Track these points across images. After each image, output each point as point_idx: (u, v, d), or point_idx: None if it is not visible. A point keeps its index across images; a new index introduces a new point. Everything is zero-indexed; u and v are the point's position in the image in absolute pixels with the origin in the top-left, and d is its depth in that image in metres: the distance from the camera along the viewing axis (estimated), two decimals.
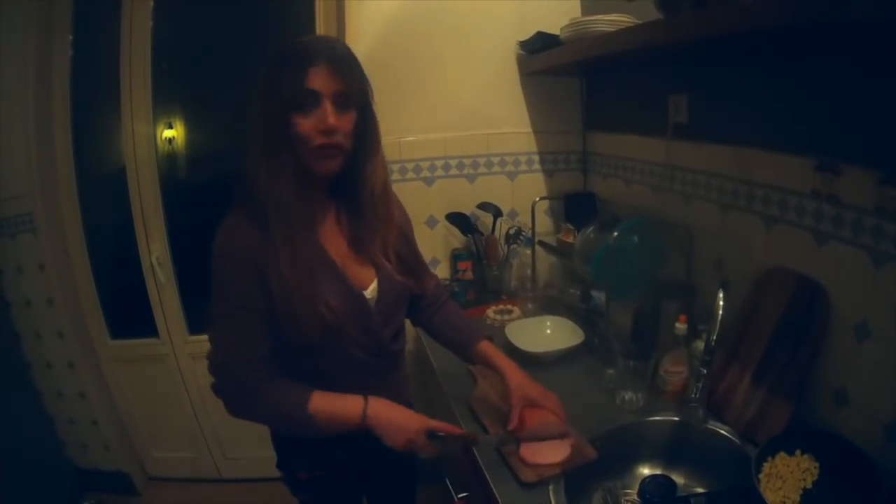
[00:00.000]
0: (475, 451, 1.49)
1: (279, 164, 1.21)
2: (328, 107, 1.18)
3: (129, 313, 2.99)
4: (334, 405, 1.31)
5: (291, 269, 1.22)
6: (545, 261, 2.61)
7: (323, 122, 1.18)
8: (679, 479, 1.44)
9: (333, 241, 1.36)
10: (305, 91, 1.17)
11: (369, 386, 1.37)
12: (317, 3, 2.58)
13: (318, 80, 1.17)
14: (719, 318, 1.38)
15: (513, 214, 2.65)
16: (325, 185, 1.33)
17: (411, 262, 1.50)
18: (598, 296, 2.09)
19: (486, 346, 1.57)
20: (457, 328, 1.65)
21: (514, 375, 1.51)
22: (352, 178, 1.32)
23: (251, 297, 1.24)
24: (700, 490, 1.43)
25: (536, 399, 1.48)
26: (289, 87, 1.17)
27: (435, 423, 1.38)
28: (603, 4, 1.93)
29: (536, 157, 2.64)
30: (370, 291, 1.38)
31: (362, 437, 1.32)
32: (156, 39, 2.61)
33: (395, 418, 1.33)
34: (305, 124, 1.19)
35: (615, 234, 1.81)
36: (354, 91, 1.23)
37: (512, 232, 2.53)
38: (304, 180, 1.25)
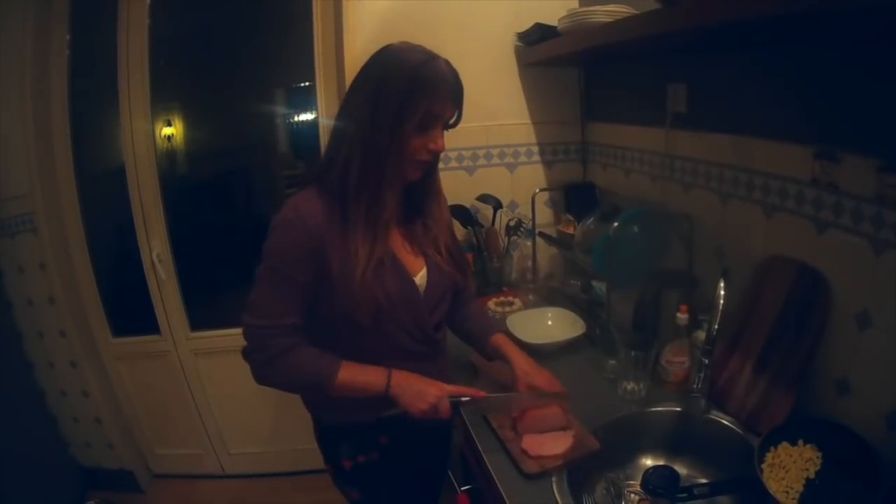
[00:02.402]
0: (477, 441, 1.50)
1: (382, 167, 1.30)
2: (440, 130, 1.34)
3: (130, 311, 3.00)
4: (360, 377, 1.39)
5: (366, 261, 1.31)
6: (546, 252, 2.61)
7: (435, 143, 1.33)
8: (682, 470, 1.44)
9: (390, 233, 1.44)
10: (434, 115, 1.30)
11: (413, 370, 1.44)
12: (314, 0, 2.58)
13: (444, 107, 1.31)
14: (720, 307, 1.38)
15: (513, 206, 2.64)
16: None
17: (458, 256, 1.58)
18: (599, 286, 2.09)
19: (498, 338, 1.64)
20: (475, 321, 1.72)
21: (521, 365, 1.55)
22: (421, 184, 1.44)
23: (299, 269, 1.31)
24: (703, 480, 1.43)
25: (541, 388, 1.50)
26: (421, 108, 1.27)
27: (455, 388, 1.43)
28: None
29: (536, 149, 2.63)
30: (419, 278, 1.47)
31: (405, 423, 1.41)
32: (153, 37, 2.60)
33: (415, 385, 1.39)
34: (418, 141, 1.31)
35: (615, 224, 1.80)
36: (458, 118, 1.37)
37: (512, 223, 2.53)
38: (397, 185, 1.35)
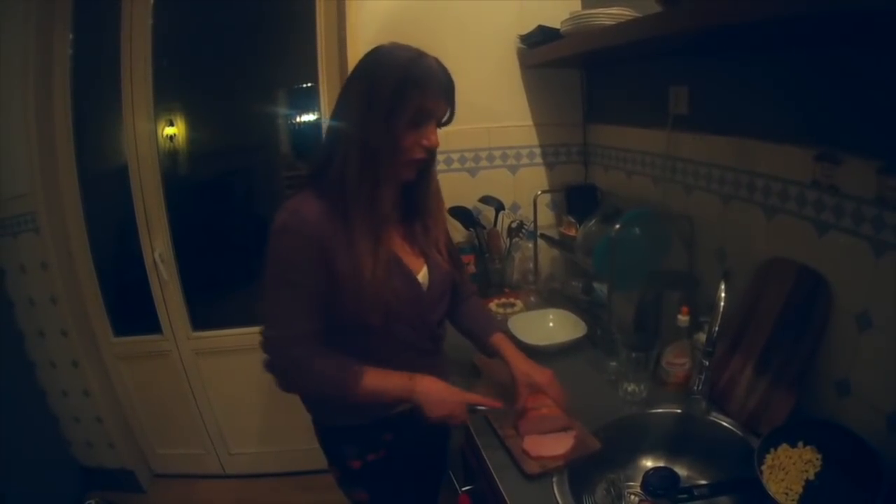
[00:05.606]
0: (478, 441, 1.51)
1: (379, 166, 1.30)
2: (434, 127, 1.33)
3: (132, 310, 3.00)
4: (383, 381, 1.39)
5: (372, 260, 1.31)
6: (547, 254, 2.62)
7: (428, 140, 1.32)
8: (682, 471, 1.44)
9: (391, 233, 1.45)
10: (426, 111, 1.30)
11: (418, 367, 1.45)
12: (317, 0, 2.58)
13: (436, 104, 1.31)
14: (721, 309, 1.38)
15: (515, 208, 2.65)
16: None
17: (454, 254, 1.62)
18: (601, 288, 2.10)
19: (498, 339, 1.64)
20: (475, 319, 1.72)
21: (520, 365, 1.55)
22: (418, 183, 1.44)
23: (310, 274, 1.30)
24: (703, 482, 1.43)
25: (542, 386, 1.51)
26: (412, 105, 1.27)
27: (474, 397, 1.47)
28: None
29: (538, 150, 2.63)
30: (421, 277, 1.48)
31: (409, 419, 1.43)
32: (156, 37, 2.61)
33: (439, 392, 1.41)
34: (411, 138, 1.30)
35: (617, 225, 1.81)
36: (451, 115, 1.37)
37: (514, 225, 2.53)
38: (393, 183, 1.35)
